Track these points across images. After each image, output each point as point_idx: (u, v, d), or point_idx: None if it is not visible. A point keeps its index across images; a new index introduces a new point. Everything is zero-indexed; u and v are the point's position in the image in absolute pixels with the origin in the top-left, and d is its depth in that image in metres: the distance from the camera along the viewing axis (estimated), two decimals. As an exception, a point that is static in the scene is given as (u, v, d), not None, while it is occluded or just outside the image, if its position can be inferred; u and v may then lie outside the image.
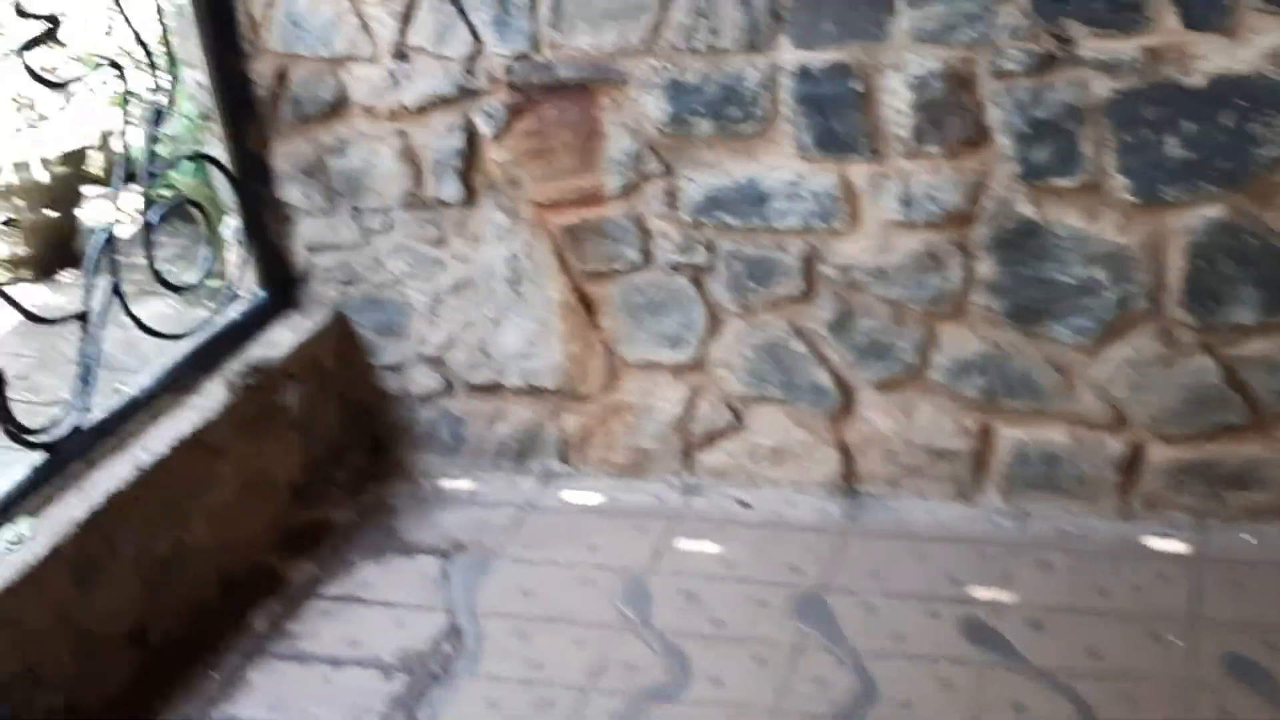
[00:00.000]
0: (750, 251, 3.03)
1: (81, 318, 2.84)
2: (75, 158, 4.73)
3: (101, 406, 2.89)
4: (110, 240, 2.88)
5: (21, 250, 4.68)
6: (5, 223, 4.60)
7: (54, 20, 2.69)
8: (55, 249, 4.65)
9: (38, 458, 2.76)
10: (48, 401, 3.21)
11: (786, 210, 2.96)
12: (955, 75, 2.76)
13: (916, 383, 3.03)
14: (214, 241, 3.23)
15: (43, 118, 4.63)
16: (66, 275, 4.68)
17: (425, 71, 3.06)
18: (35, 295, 4.46)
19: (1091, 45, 2.67)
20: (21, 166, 4.59)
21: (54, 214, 4.66)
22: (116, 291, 2.89)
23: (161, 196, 3.24)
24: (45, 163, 4.58)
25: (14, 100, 4.59)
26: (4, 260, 4.70)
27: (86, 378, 2.84)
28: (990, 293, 2.91)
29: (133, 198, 2.98)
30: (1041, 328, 2.90)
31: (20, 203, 4.60)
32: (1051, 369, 2.92)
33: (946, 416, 3.03)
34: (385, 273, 3.28)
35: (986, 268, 2.90)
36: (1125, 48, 2.65)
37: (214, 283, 3.33)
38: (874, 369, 3.04)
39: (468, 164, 3.12)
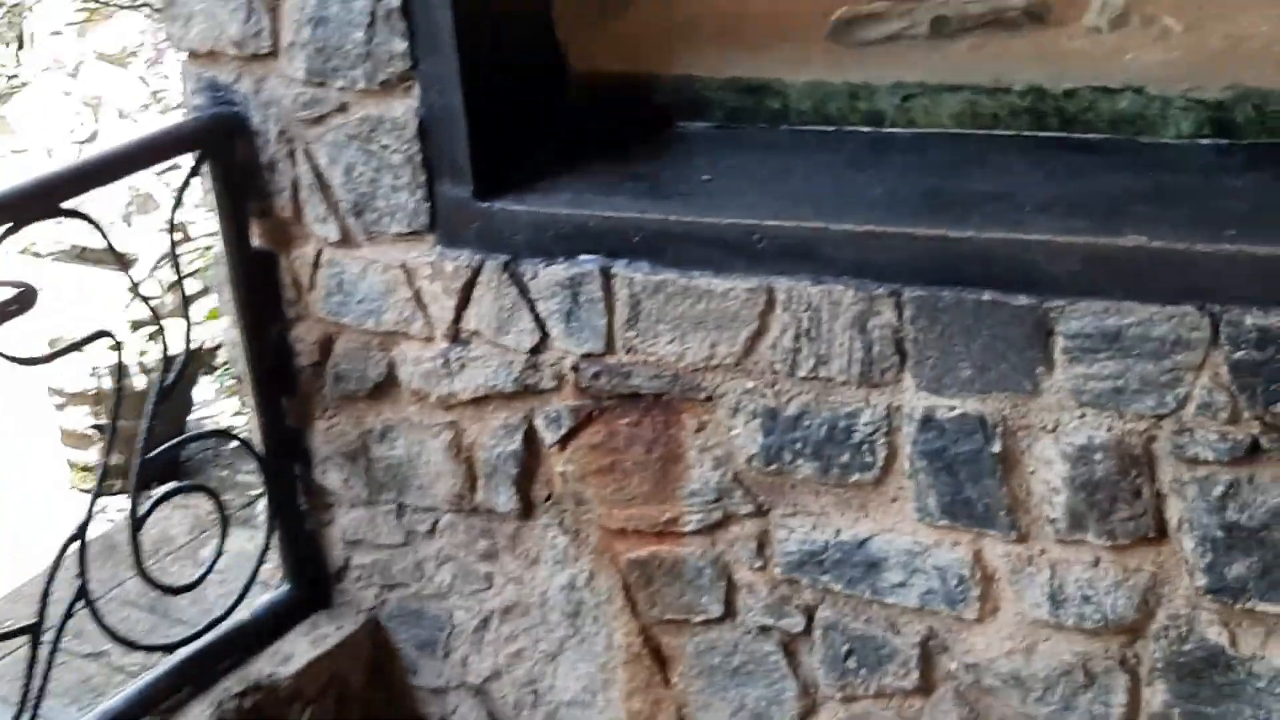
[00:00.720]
0: (855, 626, 2.39)
1: (33, 629, 2.39)
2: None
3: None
4: (79, 537, 2.43)
5: (115, 459, 4.33)
6: (96, 428, 4.26)
7: (27, 294, 2.25)
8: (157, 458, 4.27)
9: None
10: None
11: (903, 583, 2.32)
12: (1127, 452, 2.10)
13: (1056, 824, 2.32)
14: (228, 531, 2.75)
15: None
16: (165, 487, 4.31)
17: (483, 360, 2.53)
18: (120, 508, 4.11)
19: (1314, 441, 1.98)
20: (120, 371, 4.25)
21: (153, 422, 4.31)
22: (83, 597, 2.43)
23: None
24: (144, 368, 4.23)
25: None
26: (91, 469, 4.36)
27: (25, 705, 2.37)
28: (1160, 729, 2.21)
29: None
30: (1227, 787, 2.18)
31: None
32: (1235, 843, 2.19)
33: None
34: (429, 582, 2.75)
35: (1157, 698, 2.19)
36: (1362, 449, 1.96)
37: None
38: (1004, 796, 2.36)
39: (526, 471, 2.58)
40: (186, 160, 2.56)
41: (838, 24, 2.68)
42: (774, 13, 2.83)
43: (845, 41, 2.66)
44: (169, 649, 2.62)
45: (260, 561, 2.76)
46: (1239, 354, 1.98)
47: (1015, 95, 2.38)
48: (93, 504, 2.47)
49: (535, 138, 2.57)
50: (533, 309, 2.45)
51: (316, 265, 2.62)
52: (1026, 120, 2.38)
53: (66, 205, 2.32)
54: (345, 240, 2.58)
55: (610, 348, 2.42)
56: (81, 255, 5.47)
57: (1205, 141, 2.26)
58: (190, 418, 4.81)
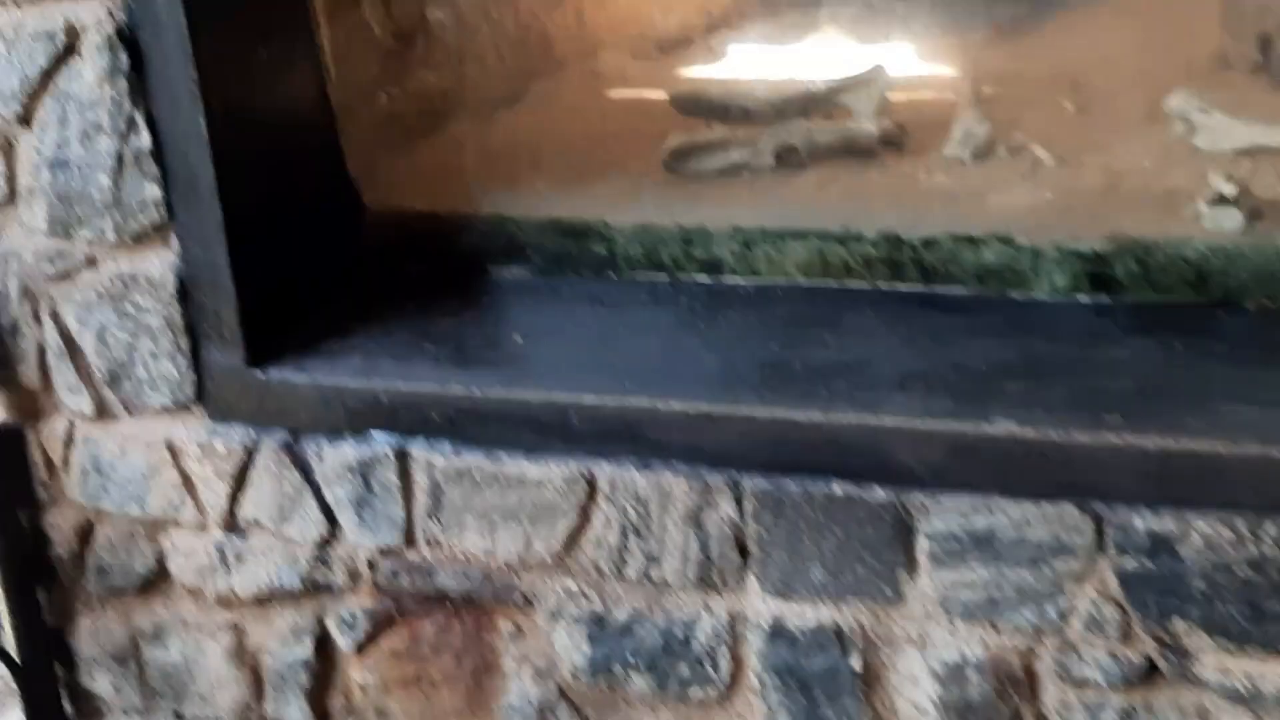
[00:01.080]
0: None
1: None
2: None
3: None
4: None
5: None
6: None
7: None
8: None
9: None
10: None
11: (756, 819, 2.00)
12: (1005, 671, 1.79)
13: None
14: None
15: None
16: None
17: (265, 553, 2.17)
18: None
19: (1217, 664, 1.68)
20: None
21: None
22: None
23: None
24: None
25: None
26: None
27: None
28: None
29: None
30: None
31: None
32: None
33: None
34: (214, 805, 2.38)
35: None
36: (1273, 674, 1.66)
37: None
38: None
39: (320, 682, 2.21)
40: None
41: (672, 154, 2.38)
42: (602, 135, 2.54)
43: (681, 173, 2.37)
44: None
45: (15, 784, 2.36)
46: (1128, 561, 1.68)
47: (868, 243, 2.07)
48: None
49: (322, 290, 2.22)
50: (319, 495, 2.10)
51: (69, 442, 2.25)
52: (882, 271, 2.07)
53: None
54: (101, 414, 2.21)
55: (410, 541, 2.07)
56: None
57: (1083, 299, 1.97)
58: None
